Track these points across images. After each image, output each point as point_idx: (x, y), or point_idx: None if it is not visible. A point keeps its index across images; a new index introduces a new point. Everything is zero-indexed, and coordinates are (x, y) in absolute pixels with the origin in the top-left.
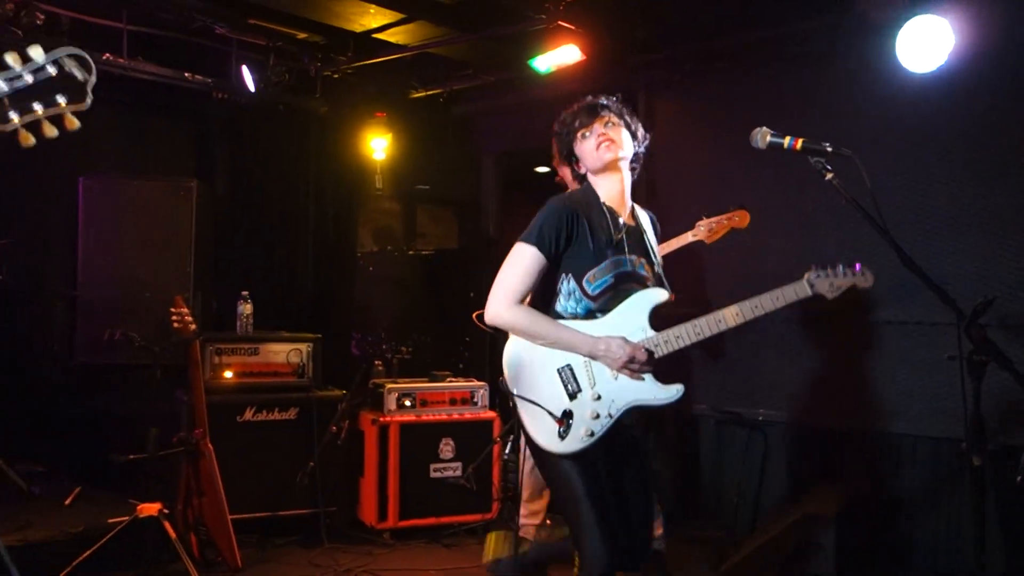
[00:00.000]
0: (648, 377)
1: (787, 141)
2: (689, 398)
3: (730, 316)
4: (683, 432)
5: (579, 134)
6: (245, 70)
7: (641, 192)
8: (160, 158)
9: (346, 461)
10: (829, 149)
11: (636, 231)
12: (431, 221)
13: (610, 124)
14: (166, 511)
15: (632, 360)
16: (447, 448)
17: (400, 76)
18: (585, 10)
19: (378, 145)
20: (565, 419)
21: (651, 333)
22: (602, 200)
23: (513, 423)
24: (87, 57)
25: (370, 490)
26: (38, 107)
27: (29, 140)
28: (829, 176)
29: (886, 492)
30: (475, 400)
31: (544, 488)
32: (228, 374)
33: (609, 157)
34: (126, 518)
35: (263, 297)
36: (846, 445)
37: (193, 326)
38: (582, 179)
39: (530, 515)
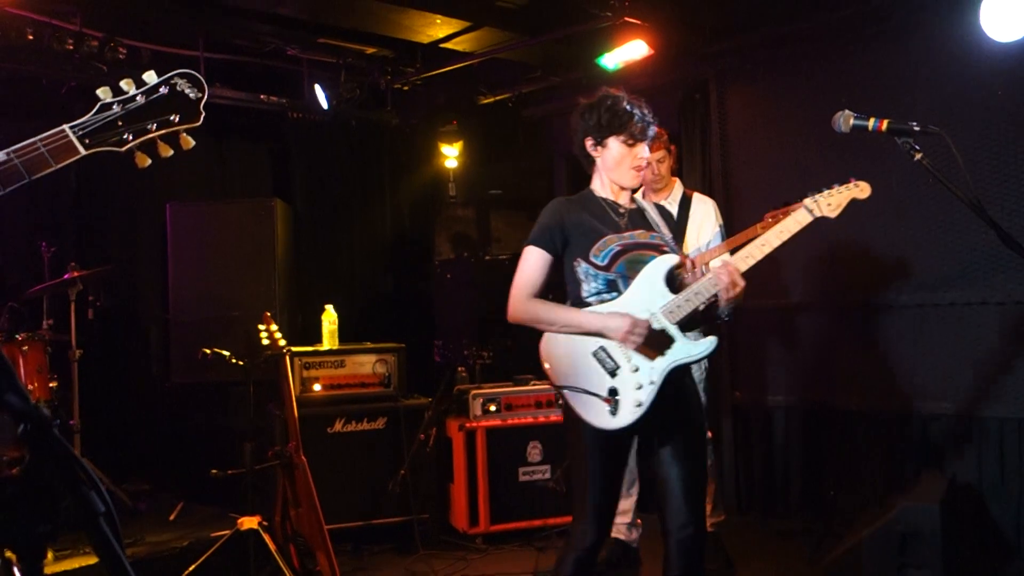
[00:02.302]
0: (679, 336)
1: (871, 123)
2: (769, 389)
3: (739, 260)
4: (767, 425)
5: (621, 138)
6: (318, 88)
7: (716, 182)
8: (241, 179)
9: (435, 468)
10: (916, 128)
11: (637, 211)
12: (506, 225)
13: (650, 158)
14: (265, 523)
15: (632, 331)
16: (534, 451)
17: (468, 83)
18: (650, 4)
19: (450, 153)
20: (612, 397)
21: (670, 297)
22: (600, 195)
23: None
24: (199, 76)
25: (460, 496)
26: (152, 126)
27: (145, 161)
28: (918, 156)
29: (988, 478)
30: (560, 402)
31: (632, 485)
32: (317, 387)
33: (635, 184)
34: (228, 531)
35: (345, 309)
36: (945, 431)
37: (282, 342)
38: (588, 160)
39: (620, 513)
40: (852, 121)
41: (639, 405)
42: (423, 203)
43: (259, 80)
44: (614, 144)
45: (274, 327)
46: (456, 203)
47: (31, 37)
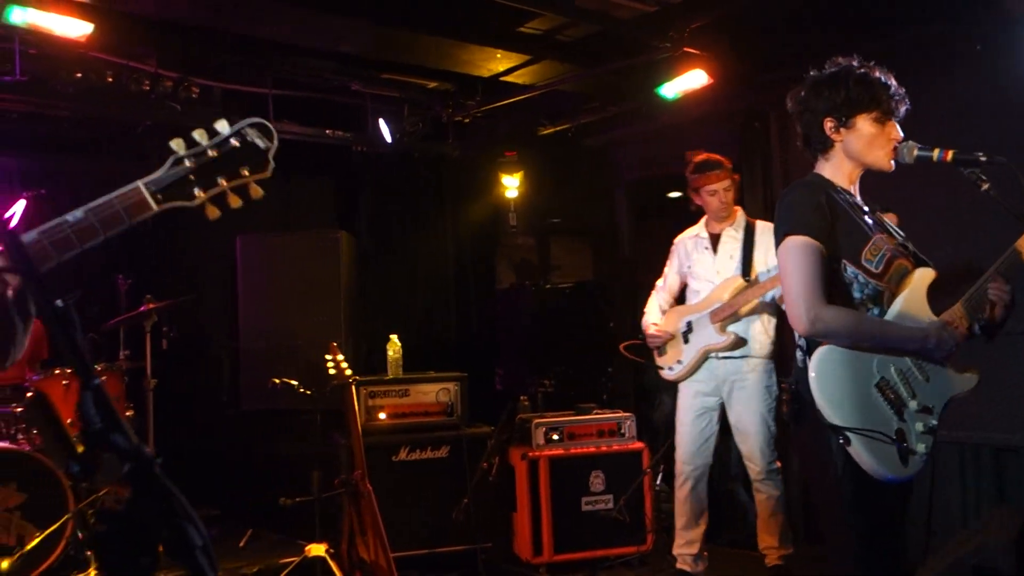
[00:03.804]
0: (948, 367)
1: (936, 154)
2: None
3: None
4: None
5: (873, 115)
6: (382, 122)
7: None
8: (307, 212)
9: (498, 497)
10: (983, 159)
11: (871, 211)
12: (566, 253)
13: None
14: (332, 551)
15: (956, 346)
16: (597, 481)
17: (528, 114)
18: (710, 34)
19: (510, 183)
20: (900, 440)
21: (933, 316)
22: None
23: (662, 453)
24: (269, 125)
25: (524, 525)
26: (222, 180)
27: (215, 213)
28: (985, 187)
29: None
30: (622, 431)
31: (701, 515)
32: (382, 415)
33: (890, 167)
34: (296, 558)
35: (408, 338)
36: (1019, 464)
37: (348, 371)
38: (824, 145)
39: (686, 544)
40: (916, 152)
41: (925, 449)
42: (484, 233)
43: (324, 115)
44: (864, 123)
45: (340, 357)
46: (516, 232)
47: (111, 79)
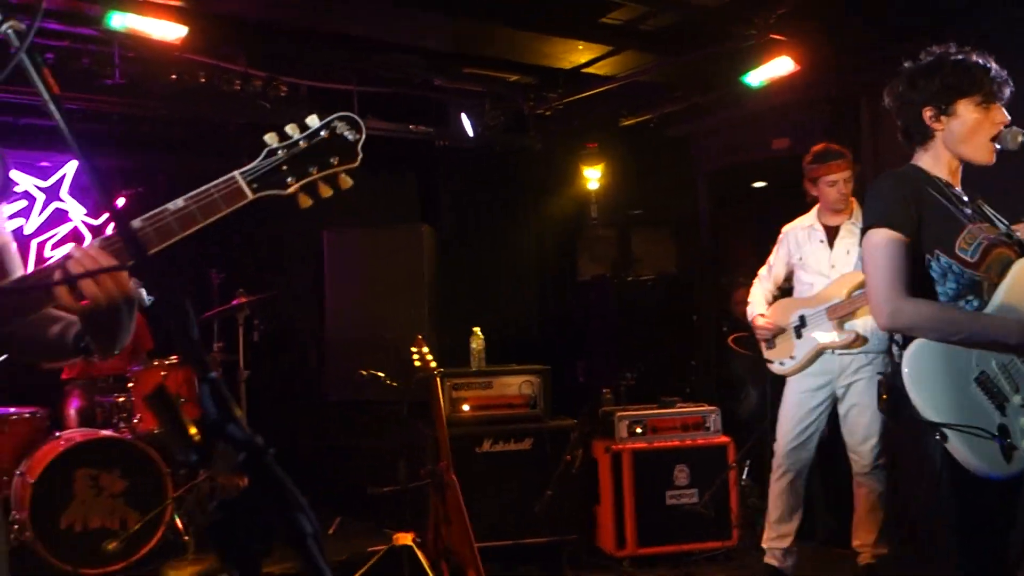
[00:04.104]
0: None
1: None
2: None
3: None
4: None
5: (976, 100)
6: (464, 117)
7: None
8: (390, 206)
9: (581, 489)
10: None
11: (971, 200)
12: (647, 245)
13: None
14: (418, 540)
15: None
16: (681, 475)
17: (609, 106)
18: (796, 19)
19: (591, 175)
20: (1003, 436)
21: None
22: (934, 174)
23: (748, 448)
24: (357, 119)
25: (607, 518)
26: (314, 169)
27: (307, 202)
28: None
29: None
30: (707, 425)
31: (796, 510)
32: (466, 407)
33: (991, 159)
34: (383, 547)
35: (491, 331)
36: None
37: (433, 364)
38: (923, 134)
39: (778, 538)
40: (1020, 138)
41: None
42: (565, 225)
43: (407, 110)
44: (966, 109)
45: (425, 349)
46: (598, 224)
47: (203, 80)
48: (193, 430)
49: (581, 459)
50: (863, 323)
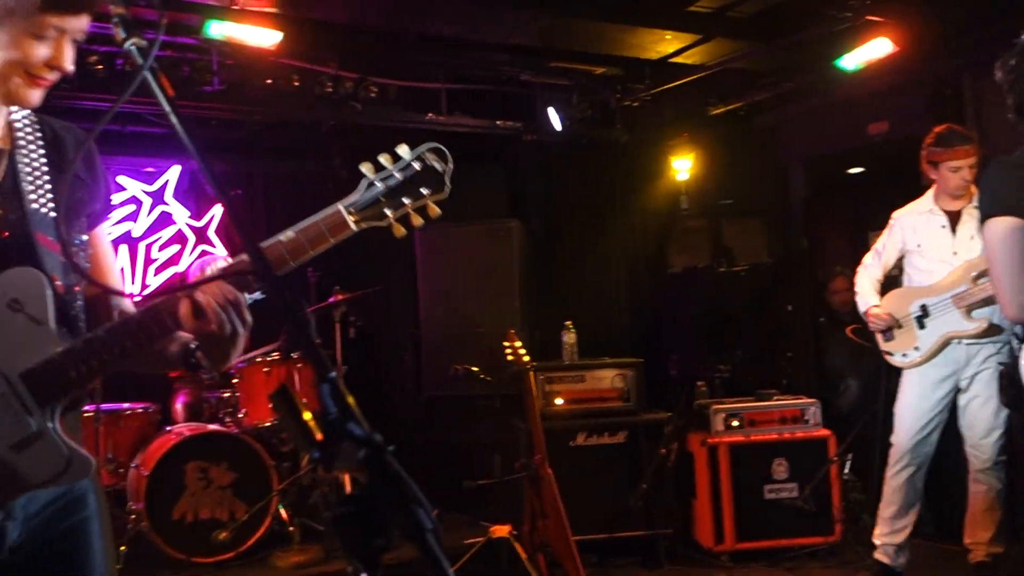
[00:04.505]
0: None
1: None
2: None
3: None
4: None
5: None
6: (551, 111)
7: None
8: (480, 203)
9: (677, 483)
10: None
11: None
12: (739, 235)
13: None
14: (515, 532)
15: None
16: (780, 468)
17: (698, 95)
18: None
19: (681, 166)
20: None
21: None
22: None
23: (850, 442)
24: (444, 149)
25: (704, 512)
26: (407, 201)
27: (401, 231)
28: None
29: None
30: (806, 418)
31: (913, 506)
32: (559, 401)
33: None
34: (481, 539)
35: (582, 324)
36: None
37: (525, 358)
38: None
39: (892, 534)
40: None
41: None
42: (655, 217)
43: (495, 106)
44: None
45: (518, 344)
46: (688, 215)
47: (297, 83)
48: (315, 427)
49: (676, 453)
50: (991, 310)
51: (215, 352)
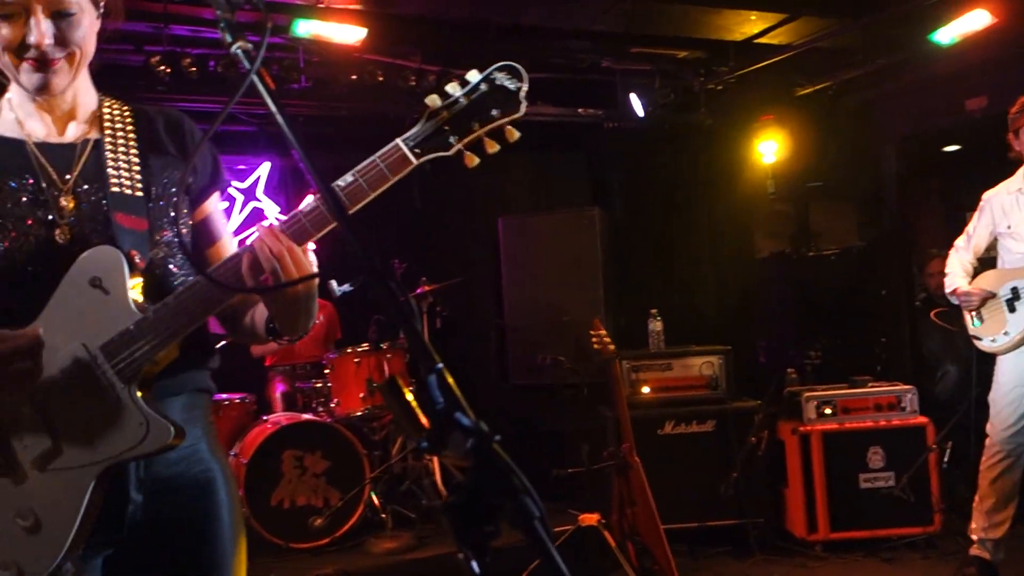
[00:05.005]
0: None
1: None
2: None
3: None
4: None
5: None
6: (633, 97)
7: None
8: (562, 191)
9: (768, 471)
10: None
11: None
12: (827, 218)
13: None
14: (604, 521)
15: None
16: (876, 457)
17: (783, 76)
18: None
19: (766, 148)
20: None
21: None
22: None
23: (949, 429)
24: (517, 66)
25: (796, 501)
26: (475, 125)
27: (473, 160)
28: None
29: None
30: (903, 405)
31: (1012, 499)
32: (646, 389)
33: None
34: (570, 527)
35: (667, 311)
36: None
37: (612, 347)
38: None
39: (990, 528)
40: None
41: None
42: (740, 201)
43: (575, 94)
44: None
45: (603, 332)
46: (775, 199)
47: (381, 78)
48: (423, 417)
49: (767, 441)
50: None
51: (280, 311)
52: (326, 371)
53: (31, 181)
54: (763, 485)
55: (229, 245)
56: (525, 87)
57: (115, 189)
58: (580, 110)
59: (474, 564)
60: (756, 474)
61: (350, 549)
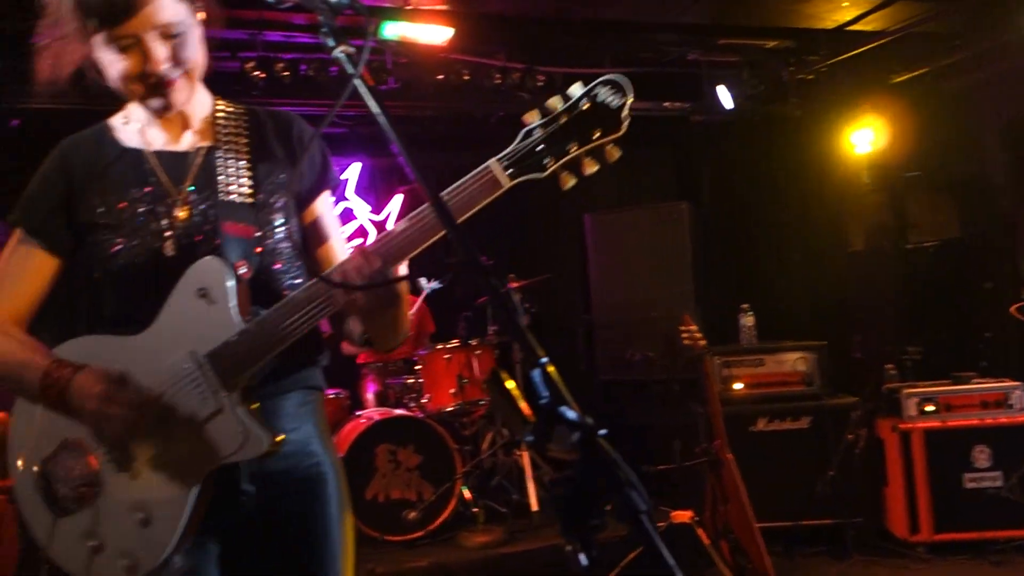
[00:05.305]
0: None
1: None
2: None
3: None
4: None
5: None
6: (721, 89)
7: None
8: (649, 186)
9: (866, 470)
10: None
11: None
12: (925, 210)
13: None
14: (697, 518)
15: None
16: (982, 456)
17: (878, 63)
18: None
19: (860, 138)
20: None
21: None
22: None
23: None
24: (620, 81)
25: (897, 501)
26: (572, 146)
27: (569, 181)
28: None
29: None
30: (1011, 402)
31: None
32: (738, 385)
33: None
34: (662, 524)
35: (759, 306)
36: None
37: (703, 342)
38: None
39: None
40: None
41: None
42: (833, 193)
43: (661, 88)
44: None
45: (694, 327)
46: (869, 190)
47: (467, 77)
48: (528, 411)
49: (865, 438)
50: None
51: (369, 322)
52: (417, 367)
53: (149, 189)
54: (861, 484)
55: (338, 246)
56: (630, 101)
57: (225, 197)
58: (666, 104)
59: (581, 556)
60: (854, 473)
61: (443, 542)
